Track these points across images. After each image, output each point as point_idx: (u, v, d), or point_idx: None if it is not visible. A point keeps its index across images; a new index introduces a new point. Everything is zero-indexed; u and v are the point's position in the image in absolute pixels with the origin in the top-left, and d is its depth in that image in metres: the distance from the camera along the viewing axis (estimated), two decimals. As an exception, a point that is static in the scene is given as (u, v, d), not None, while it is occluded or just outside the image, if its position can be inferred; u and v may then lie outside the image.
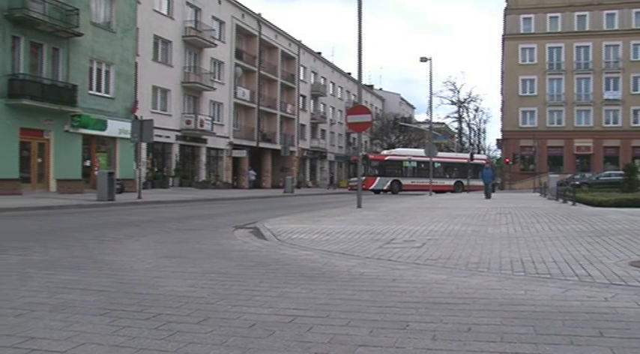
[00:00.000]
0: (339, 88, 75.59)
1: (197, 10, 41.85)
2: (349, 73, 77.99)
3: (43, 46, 25.52)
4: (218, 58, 44.77)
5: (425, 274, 5.22)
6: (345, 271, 5.51)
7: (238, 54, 48.68)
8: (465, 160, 45.87)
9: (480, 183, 42.37)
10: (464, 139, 72.12)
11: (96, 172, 24.78)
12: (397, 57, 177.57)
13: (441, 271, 5.38)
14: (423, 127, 73.09)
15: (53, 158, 26.08)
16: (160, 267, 5.84)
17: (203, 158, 42.96)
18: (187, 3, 40.60)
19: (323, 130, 69.45)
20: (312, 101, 66.19)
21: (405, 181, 41.88)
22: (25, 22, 24.09)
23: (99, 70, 28.96)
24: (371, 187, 39.42)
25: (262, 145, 52.03)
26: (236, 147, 46.98)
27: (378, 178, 40.97)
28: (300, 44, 61.55)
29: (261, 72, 52.51)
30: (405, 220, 11.48)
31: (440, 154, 46.87)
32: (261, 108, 52.11)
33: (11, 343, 3.06)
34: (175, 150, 39.51)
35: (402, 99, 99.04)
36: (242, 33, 49.87)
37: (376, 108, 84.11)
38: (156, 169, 37.51)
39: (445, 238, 8.06)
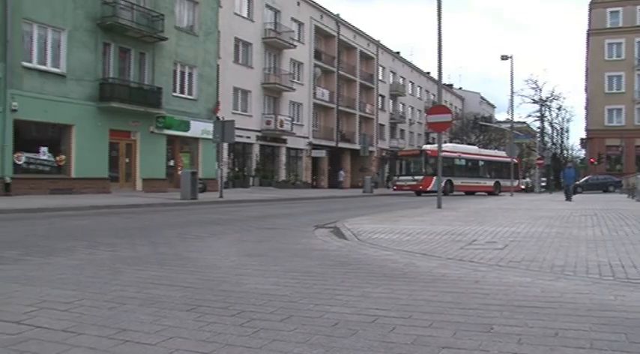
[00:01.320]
0: (418, 88, 74.84)
1: (276, 12, 42.39)
2: (428, 73, 77.10)
3: (131, 51, 26.52)
4: (297, 59, 45.20)
5: (508, 277, 5.07)
6: (426, 271, 5.43)
7: (317, 55, 48.99)
8: (503, 159, 42.49)
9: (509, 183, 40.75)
10: (546, 138, 69.70)
11: (179, 172, 25.50)
12: (477, 55, 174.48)
13: (524, 274, 5.21)
14: (503, 126, 71.25)
15: (139, 158, 27.03)
16: (243, 265, 5.93)
17: (283, 158, 43.47)
18: (267, 5, 41.20)
19: (402, 130, 68.98)
20: (390, 101, 65.84)
21: (456, 181, 37.14)
22: (115, 29, 25.12)
23: (182, 73, 29.80)
24: (429, 188, 34.53)
25: (341, 145, 52.16)
26: (315, 147, 47.29)
27: (434, 178, 33.41)
28: (378, 44, 61.33)
29: (340, 72, 52.65)
30: (485, 221, 11.23)
31: (482, 151, 44.89)
32: (340, 108, 52.26)
33: (106, 333, 3.19)
34: (256, 150, 40.16)
35: (482, 98, 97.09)
36: (321, 34, 50.15)
37: (456, 107, 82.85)
38: (237, 169, 38.26)
39: (528, 240, 7.82)
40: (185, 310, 3.78)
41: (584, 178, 49.00)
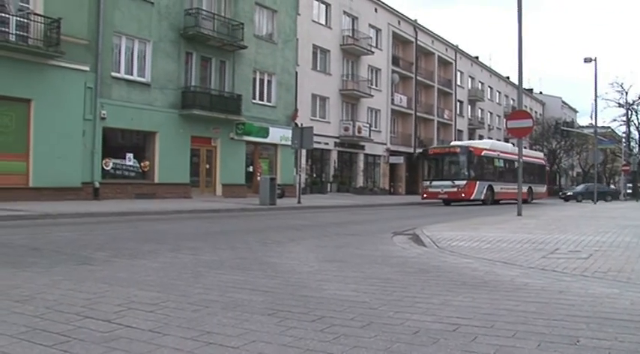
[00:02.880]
0: (497, 93, 73.34)
1: (354, 18, 42.51)
2: (507, 77, 75.46)
3: (212, 59, 27.20)
4: (375, 66, 45.16)
5: (594, 288, 4.86)
6: (508, 280, 5.29)
7: (395, 60, 48.80)
8: (536, 159, 38.61)
9: (542, 189, 37.55)
10: (632, 143, 66.68)
11: (258, 178, 25.92)
12: (557, 58, 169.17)
13: (611, 285, 4.98)
14: (586, 131, 68.73)
15: (219, 164, 27.63)
16: (322, 270, 5.95)
17: (360, 164, 43.48)
18: (345, 12, 41.37)
19: (481, 136, 67.61)
20: (469, 106, 64.83)
21: (496, 187, 30.92)
22: (197, 39, 25.84)
23: (261, 80, 30.31)
24: (472, 196, 28.68)
25: (419, 151, 51.75)
26: (393, 153, 47.08)
27: (478, 183, 29.17)
28: (456, 49, 60.53)
29: (418, 78, 52.27)
30: (568, 229, 10.83)
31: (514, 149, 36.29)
32: (418, 114, 51.87)
33: (191, 335, 3.26)
34: (333, 156, 40.34)
35: (564, 102, 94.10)
36: (398, 39, 49.95)
37: (536, 112, 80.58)
38: (314, 175, 38.51)
39: (614, 249, 7.48)
40: (266, 314, 3.82)
41: None
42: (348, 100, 42.09)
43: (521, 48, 16.63)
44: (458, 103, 61.45)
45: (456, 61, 60.58)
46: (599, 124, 51.40)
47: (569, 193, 50.75)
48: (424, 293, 4.67)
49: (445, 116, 57.84)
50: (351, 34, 41.63)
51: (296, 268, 6.12)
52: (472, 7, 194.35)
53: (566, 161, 79.48)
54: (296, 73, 33.29)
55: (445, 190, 28.73)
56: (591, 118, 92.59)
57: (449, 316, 3.82)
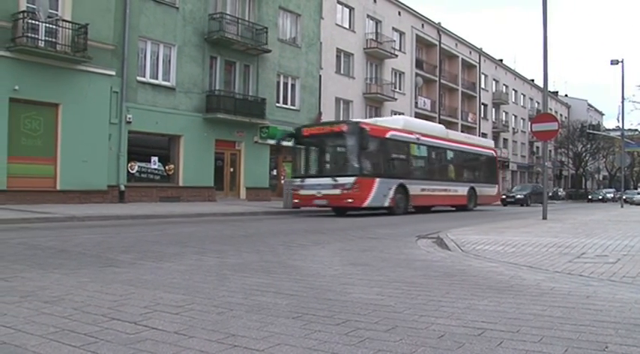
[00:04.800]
0: (522, 96, 72.73)
1: (377, 22, 42.45)
2: (532, 80, 74.81)
3: (236, 63, 27.38)
4: (399, 69, 45.04)
5: (622, 293, 4.79)
6: (533, 285, 5.23)
7: (419, 64, 48.64)
8: (483, 149, 28.39)
9: (492, 191, 27.98)
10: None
11: (282, 181, 25.97)
12: (583, 60, 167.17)
13: (640, 290, 4.92)
14: (613, 134, 67.80)
15: (243, 167, 27.77)
16: (347, 274, 5.94)
17: (384, 167, 43.28)
18: (368, 16, 41.34)
19: (505, 139, 67.18)
20: (493, 110, 64.37)
21: (413, 188, 21.25)
22: (222, 43, 26.05)
23: (285, 84, 30.43)
24: (366, 203, 19.07)
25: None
26: (416, 157, 46.80)
27: (377, 182, 19.48)
28: (480, 52, 60.17)
29: (442, 81, 52.05)
30: (595, 233, 10.67)
31: (451, 133, 27.41)
32: (442, 117, 51.58)
33: (215, 337, 3.28)
34: (357, 160, 40.17)
35: (590, 105, 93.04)
36: (422, 43, 49.78)
37: (561, 115, 79.81)
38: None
39: (644, 254, 7.38)
40: (291, 317, 3.82)
41: None
42: (372, 103, 42.02)
43: (547, 50, 16.48)
44: (482, 107, 61.04)
45: (480, 64, 60.20)
46: (626, 127, 50.60)
47: (511, 196, 41.86)
48: (449, 297, 4.64)
49: (469, 119, 57.48)
50: (374, 38, 41.58)
51: (320, 271, 6.12)
52: (496, 10, 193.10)
53: (592, 164, 78.55)
54: (320, 76, 33.36)
55: (324, 192, 18.92)
56: (618, 120, 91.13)
57: (474, 320, 3.79)
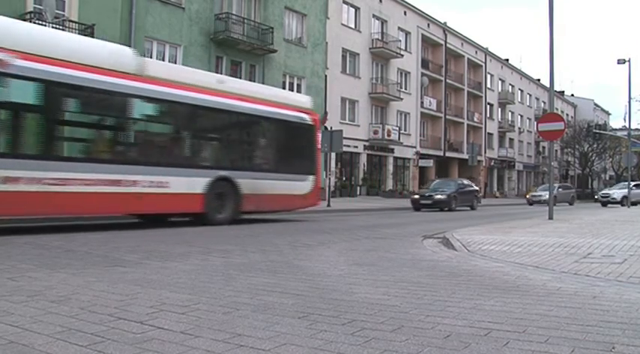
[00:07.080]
0: (528, 95, 72.61)
1: (383, 22, 42.47)
2: (538, 79, 74.65)
3: (242, 63, 27.42)
4: (404, 69, 45.04)
5: (629, 293, 4.77)
6: (540, 285, 5.22)
7: (424, 63, 48.64)
8: (288, 112, 15.53)
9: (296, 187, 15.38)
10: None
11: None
12: (590, 59, 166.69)
13: (647, 291, 4.90)
14: (619, 134, 67.55)
15: (250, 168, 27.74)
16: (352, 274, 5.94)
17: (390, 167, 43.38)
18: (374, 15, 41.36)
19: (511, 139, 67.07)
20: (499, 109, 64.29)
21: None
22: (227, 43, 26.08)
23: (291, 84, 30.46)
24: None
25: (449, 154, 51.44)
26: (422, 156, 46.88)
27: None
28: (486, 52, 60.11)
29: (448, 81, 52.03)
30: (601, 233, 10.63)
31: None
32: (447, 117, 51.60)
33: (222, 337, 3.29)
34: (363, 159, 40.30)
35: (596, 105, 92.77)
36: (428, 42, 49.77)
37: (567, 115, 79.62)
38: (344, 179, 38.49)
39: (652, 254, 7.34)
40: (297, 317, 3.83)
41: None
42: (378, 103, 42.02)
43: (553, 50, 16.42)
44: (488, 106, 60.95)
45: (485, 63, 60.11)
46: (633, 127, 50.47)
47: (427, 196, 27.11)
48: (455, 297, 4.63)
49: (475, 119, 57.41)
50: (380, 38, 41.59)
51: (326, 271, 6.12)
52: (502, 10, 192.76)
53: (599, 164, 78.30)
54: (325, 76, 33.38)
55: None
56: (625, 120, 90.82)
57: (480, 320, 3.79)
